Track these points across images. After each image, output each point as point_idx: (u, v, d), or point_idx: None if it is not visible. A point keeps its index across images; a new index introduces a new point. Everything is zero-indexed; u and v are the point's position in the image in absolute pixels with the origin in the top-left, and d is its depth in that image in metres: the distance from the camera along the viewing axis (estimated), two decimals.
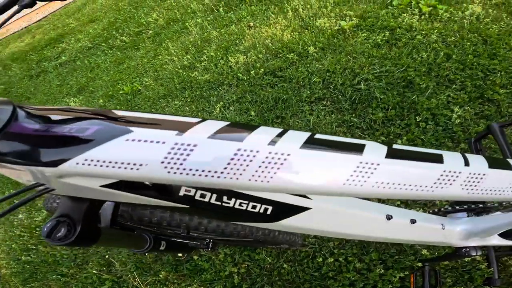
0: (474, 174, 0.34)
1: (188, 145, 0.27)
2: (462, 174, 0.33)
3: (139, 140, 0.28)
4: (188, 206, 0.36)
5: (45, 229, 0.35)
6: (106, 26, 3.22)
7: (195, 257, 1.14)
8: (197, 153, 0.27)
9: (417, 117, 1.32)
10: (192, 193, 0.35)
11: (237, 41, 2.08)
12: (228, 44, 2.08)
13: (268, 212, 0.39)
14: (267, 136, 0.29)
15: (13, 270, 1.58)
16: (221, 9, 2.49)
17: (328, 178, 0.29)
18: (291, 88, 1.62)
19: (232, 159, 0.27)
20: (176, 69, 2.08)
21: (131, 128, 0.28)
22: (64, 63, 3.00)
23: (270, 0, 2.37)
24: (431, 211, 0.70)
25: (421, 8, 1.76)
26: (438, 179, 0.32)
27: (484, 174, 0.35)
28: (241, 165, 0.27)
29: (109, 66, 2.58)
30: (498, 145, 0.70)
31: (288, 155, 0.28)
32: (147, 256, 1.20)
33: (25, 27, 4.80)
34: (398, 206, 1.10)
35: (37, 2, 0.40)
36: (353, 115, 1.43)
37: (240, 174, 0.28)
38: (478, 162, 0.35)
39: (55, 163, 0.28)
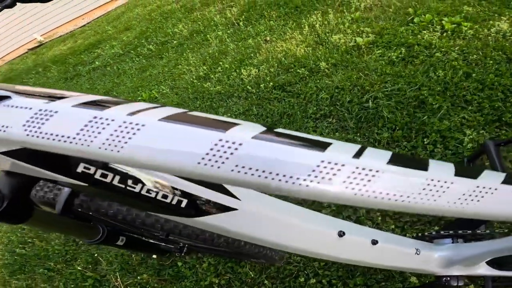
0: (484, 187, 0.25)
1: (50, 111, 0.28)
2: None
3: (13, 106, 0.29)
4: (87, 185, 0.35)
5: None
6: (137, 35, 3.45)
7: (179, 264, 1.16)
8: (55, 119, 0.27)
9: (425, 139, 1.24)
10: (91, 171, 0.34)
11: (252, 55, 2.12)
12: (243, 57, 2.12)
13: (182, 205, 0.37)
14: (128, 108, 0.27)
15: (5, 262, 1.70)
16: (241, 23, 2.57)
17: (183, 155, 0.25)
18: (298, 104, 1.61)
19: (86, 125, 0.26)
20: (192, 79, 2.16)
21: (13, 96, 0.30)
22: (96, 68, 3.25)
23: (289, 16, 2.40)
24: (415, 236, 0.65)
25: (444, 25, 1.68)
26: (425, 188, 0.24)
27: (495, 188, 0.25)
28: (93, 132, 0.26)
29: (134, 73, 2.75)
30: (491, 164, 0.64)
31: (143, 125, 0.25)
32: (133, 257, 1.23)
33: (70, 32, 5.28)
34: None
35: (17, 3, 0.41)
36: (357, 134, 1.38)
37: (92, 141, 0.26)
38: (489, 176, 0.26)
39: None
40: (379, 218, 1.07)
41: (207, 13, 3.07)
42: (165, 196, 0.36)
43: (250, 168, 0.23)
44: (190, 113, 0.29)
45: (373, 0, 2.09)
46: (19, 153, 0.32)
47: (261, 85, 1.78)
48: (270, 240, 0.44)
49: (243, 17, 2.65)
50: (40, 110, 0.28)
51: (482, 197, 0.24)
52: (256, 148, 0.23)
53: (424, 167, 0.24)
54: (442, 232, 0.61)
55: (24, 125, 0.28)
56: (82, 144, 0.26)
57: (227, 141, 0.24)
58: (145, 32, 3.42)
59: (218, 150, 0.24)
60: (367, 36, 1.77)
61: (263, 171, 0.23)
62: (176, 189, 0.37)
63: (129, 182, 0.35)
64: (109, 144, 0.26)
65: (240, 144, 0.24)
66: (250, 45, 2.25)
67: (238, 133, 0.24)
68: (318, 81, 1.66)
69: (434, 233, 0.62)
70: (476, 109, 1.28)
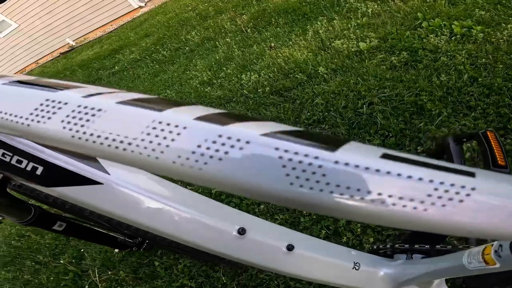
0: None
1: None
2: None
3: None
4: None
5: None
6: (155, 41, 3.61)
7: (156, 263, 1.17)
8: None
9: (418, 147, 1.17)
10: None
11: (255, 60, 2.13)
12: (246, 62, 2.14)
13: (38, 172, 0.35)
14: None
15: (0, 253, 1.81)
16: (249, 30, 2.60)
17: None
18: (293, 109, 1.59)
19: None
20: (196, 84, 2.21)
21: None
22: (115, 73, 3.44)
23: (296, 23, 2.40)
24: (369, 249, 0.58)
25: (453, 29, 1.59)
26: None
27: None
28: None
29: (147, 78, 2.87)
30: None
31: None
32: (115, 254, 1.26)
33: (98, 37, 5.64)
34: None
35: None
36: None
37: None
38: None
39: None
40: (359, 230, 1.01)
41: (220, 20, 3.15)
42: (19, 161, 0.34)
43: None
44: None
45: (382, 6, 2.03)
46: None
47: (259, 90, 1.79)
48: (131, 218, 0.40)
49: (251, 24, 2.68)
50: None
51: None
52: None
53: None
54: (396, 246, 0.55)
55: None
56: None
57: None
58: (162, 39, 3.58)
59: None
60: (371, 41, 1.72)
61: None
62: (33, 155, 0.35)
63: None
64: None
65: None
66: (255, 51, 2.26)
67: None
68: (315, 86, 1.63)
69: (387, 246, 0.56)
70: (479, 116, 1.18)
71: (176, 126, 0.16)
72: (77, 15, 6.09)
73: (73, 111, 0.19)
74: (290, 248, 0.43)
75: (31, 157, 0.35)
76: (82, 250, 1.40)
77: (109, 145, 0.17)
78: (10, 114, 0.20)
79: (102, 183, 0.38)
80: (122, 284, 1.15)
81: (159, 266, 1.15)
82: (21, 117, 0.20)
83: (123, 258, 1.25)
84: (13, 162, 0.34)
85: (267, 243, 0.43)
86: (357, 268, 0.48)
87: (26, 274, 1.50)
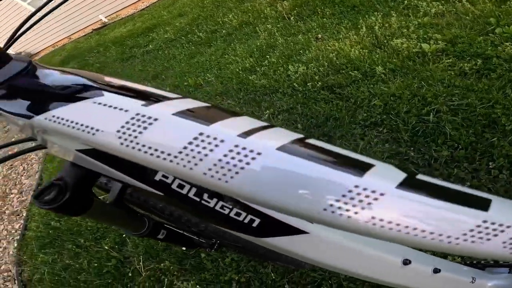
0: None
1: (149, 117, 0.24)
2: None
3: (105, 105, 0.26)
4: (163, 194, 0.32)
5: (38, 190, 0.35)
6: (189, 21, 3.52)
7: (203, 255, 1.13)
8: (154, 128, 0.23)
9: (490, 163, 1.07)
10: (169, 181, 0.32)
11: (301, 51, 2.03)
12: (291, 52, 2.04)
13: (254, 224, 0.34)
14: (245, 126, 0.23)
15: (38, 234, 1.80)
16: (292, 18, 2.48)
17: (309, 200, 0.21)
18: (347, 108, 1.50)
19: (190, 143, 0.22)
20: (237, 70, 2.13)
21: (104, 93, 0.27)
22: (149, 51, 3.39)
23: (344, 15, 2.26)
24: (467, 262, 0.60)
25: None
26: (472, 230, 0.21)
27: None
28: (198, 152, 0.22)
29: (183, 59, 2.81)
30: None
31: (259, 153, 0.21)
32: (159, 243, 1.24)
33: (130, 15, 5.59)
34: None
35: None
36: (411, 148, 1.24)
37: (195, 164, 0.22)
38: None
39: (29, 116, 0.29)
40: None
41: (258, 4, 3.03)
42: (238, 214, 0.33)
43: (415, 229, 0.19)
44: (314, 142, 0.23)
45: (447, 6, 1.87)
46: (93, 152, 0.29)
47: (308, 84, 1.69)
48: (336, 266, 0.41)
49: (295, 12, 2.55)
50: (138, 114, 0.24)
51: None
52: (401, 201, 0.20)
53: (484, 206, 0.20)
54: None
55: (118, 131, 0.24)
56: (184, 166, 0.22)
57: (365, 189, 0.20)
58: (197, 20, 3.48)
59: (352, 198, 0.19)
60: (436, 43, 1.59)
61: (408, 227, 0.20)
62: (251, 207, 0.34)
63: (205, 196, 0.33)
64: (217, 172, 0.21)
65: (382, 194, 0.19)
66: (300, 41, 2.15)
67: (378, 180, 0.20)
68: (372, 86, 1.53)
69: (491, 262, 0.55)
70: None
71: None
72: None
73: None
74: (436, 271, 0.45)
75: (250, 210, 0.34)
76: (123, 235, 1.38)
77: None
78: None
79: (308, 232, 0.38)
80: (166, 274, 1.13)
81: (205, 258, 1.11)
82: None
83: (167, 247, 1.22)
84: (232, 214, 0.33)
85: (421, 269, 0.45)
86: (473, 281, 0.49)
87: (65, 257, 1.49)
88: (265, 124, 0.24)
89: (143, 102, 0.25)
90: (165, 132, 0.23)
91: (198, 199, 0.32)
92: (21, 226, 2.27)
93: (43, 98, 0.29)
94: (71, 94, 0.28)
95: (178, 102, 0.26)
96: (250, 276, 1.09)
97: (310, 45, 2.04)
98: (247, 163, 0.20)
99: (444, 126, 1.24)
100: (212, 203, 0.32)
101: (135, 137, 0.24)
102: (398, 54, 1.63)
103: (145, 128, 0.23)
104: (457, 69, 1.44)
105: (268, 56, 2.13)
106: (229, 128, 0.22)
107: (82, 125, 0.26)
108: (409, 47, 1.64)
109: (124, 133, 0.24)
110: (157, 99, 0.26)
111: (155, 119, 0.23)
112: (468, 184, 1.08)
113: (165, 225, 0.55)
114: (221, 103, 1.95)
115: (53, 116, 0.27)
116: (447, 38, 1.60)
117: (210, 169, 0.21)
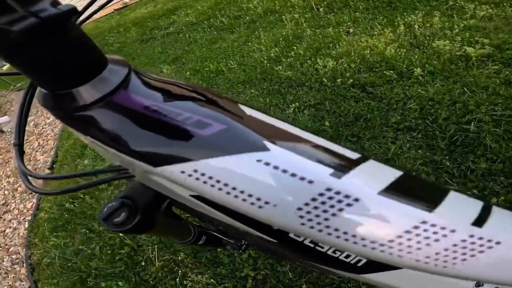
0: None
1: (346, 196, 0.19)
2: None
3: (276, 167, 0.20)
4: (277, 241, 0.28)
5: (106, 210, 0.32)
6: (212, 5, 3.42)
7: (219, 249, 1.08)
8: (355, 211, 0.19)
9: None
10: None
11: (331, 45, 1.93)
12: (320, 45, 1.94)
13: (360, 264, 0.31)
14: (468, 212, 0.20)
15: (51, 216, 1.75)
16: (321, 9, 2.36)
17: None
18: (379, 109, 1.41)
19: (408, 232, 0.18)
20: (262, 59, 2.05)
21: (268, 145, 0.20)
22: (170, 34, 3.31)
23: (379, 11, 2.13)
24: None
25: None
26: None
27: None
28: (418, 242, 0.19)
29: (204, 43, 2.73)
30: None
31: (498, 243, 0.19)
32: None
33: None
34: None
35: None
36: (447, 157, 1.15)
37: (409, 252, 0.19)
38: None
39: (155, 162, 0.21)
40: None
41: None
42: (347, 256, 0.30)
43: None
44: None
45: (496, 10, 1.74)
46: (207, 199, 0.24)
47: (338, 80, 1.61)
48: None
49: (325, 3, 2.43)
50: (329, 190, 0.19)
51: None
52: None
53: None
54: None
55: (300, 209, 0.19)
56: (390, 254, 0.19)
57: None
58: (219, 4, 3.38)
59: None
60: (482, 47, 1.47)
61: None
62: None
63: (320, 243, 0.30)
64: (440, 259, 0.19)
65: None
66: (330, 34, 2.05)
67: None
68: (408, 88, 1.43)
69: None
70: None
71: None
72: None
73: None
74: None
75: None
76: None
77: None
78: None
79: (402, 268, 0.33)
80: (180, 265, 1.09)
81: (221, 252, 1.07)
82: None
83: None
84: (342, 257, 0.30)
85: None
86: None
87: (77, 242, 1.46)
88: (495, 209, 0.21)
89: (330, 171, 0.20)
90: (371, 218, 0.19)
91: (312, 246, 0.28)
92: (33, 205, 2.17)
93: (170, 135, 0.21)
94: (215, 139, 0.20)
95: (367, 168, 0.21)
96: (267, 273, 1.05)
97: (340, 39, 1.94)
98: (481, 252, 0.19)
99: (485, 137, 1.15)
100: (325, 248, 0.29)
101: (326, 219, 0.19)
102: (439, 56, 1.52)
103: (340, 209, 0.19)
104: (502, 77, 1.34)
105: (294, 47, 2.04)
106: (458, 215, 0.19)
107: (242, 192, 0.20)
108: (452, 50, 1.53)
109: (309, 212, 0.19)
110: (341, 161, 0.21)
111: (355, 199, 0.19)
112: (502, 198, 1.01)
113: (205, 230, 0.54)
114: (243, 91, 1.88)
115: (195, 171, 0.20)
116: (494, 43, 1.49)
117: (429, 257, 0.19)
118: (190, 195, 0.24)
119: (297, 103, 1.59)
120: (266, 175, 0.19)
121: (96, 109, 0.20)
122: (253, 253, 1.06)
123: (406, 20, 1.88)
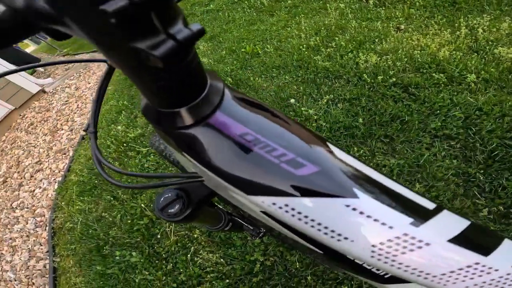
0: None
1: (420, 241, 0.22)
2: None
3: (361, 213, 0.22)
4: (322, 253, 0.30)
5: (162, 200, 0.34)
6: None
7: (233, 232, 1.10)
8: (424, 253, 0.22)
9: None
10: None
11: (376, 40, 1.82)
12: (364, 39, 1.84)
13: (387, 276, 0.32)
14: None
15: (80, 179, 1.79)
16: (371, 1, 2.22)
17: None
18: (419, 112, 1.32)
19: (461, 269, 0.22)
20: (300, 46, 1.98)
21: (357, 192, 0.22)
22: (209, 11, 3.29)
23: (439, 9, 1.96)
24: None
25: None
26: None
27: None
28: (465, 276, 0.22)
29: (242, 24, 2.68)
30: None
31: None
32: None
33: None
34: None
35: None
36: (482, 171, 1.07)
37: (454, 283, 0.23)
38: None
39: (248, 191, 0.23)
40: None
41: None
42: (379, 269, 0.31)
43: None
44: None
45: None
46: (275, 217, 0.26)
47: (379, 77, 1.52)
48: None
49: None
50: (406, 235, 0.22)
51: None
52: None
53: None
54: None
55: (375, 246, 0.22)
56: (438, 283, 0.22)
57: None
58: None
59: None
60: None
61: None
62: None
63: None
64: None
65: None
66: (377, 28, 1.93)
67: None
68: (456, 94, 1.33)
69: None
70: None
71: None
72: None
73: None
74: None
75: None
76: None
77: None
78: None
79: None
80: (193, 242, 1.12)
81: (235, 234, 1.08)
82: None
83: None
84: (374, 269, 0.31)
85: None
86: None
87: (100, 208, 1.51)
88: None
89: (410, 220, 0.22)
90: (435, 258, 0.22)
91: (352, 258, 0.30)
92: (65, 166, 2.17)
93: (262, 168, 0.22)
94: (309, 180, 0.22)
95: (442, 218, 0.24)
96: (275, 260, 1.05)
97: (388, 35, 1.82)
98: None
99: None
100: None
101: (395, 255, 0.22)
102: (498, 63, 1.38)
103: (411, 250, 0.22)
104: None
105: (336, 38, 1.95)
106: (505, 257, 0.22)
107: (326, 227, 0.22)
108: None
109: (381, 249, 0.22)
110: (420, 211, 0.23)
111: (427, 244, 0.22)
112: None
113: (232, 217, 0.56)
114: (276, 77, 1.84)
115: (286, 205, 0.22)
116: None
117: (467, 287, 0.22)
118: (261, 211, 0.26)
119: (332, 95, 1.53)
120: (352, 218, 0.22)
121: (196, 129, 0.22)
122: (265, 239, 1.07)
123: (469, 22, 1.72)
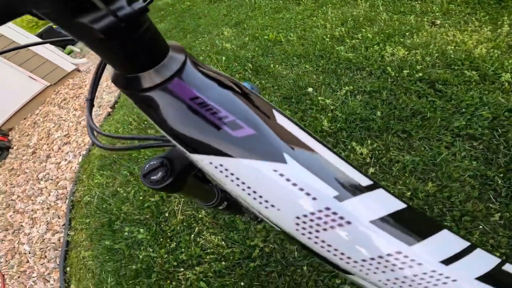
0: None
1: (341, 218, 0.21)
2: None
3: (288, 180, 0.22)
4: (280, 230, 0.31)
5: (147, 167, 0.36)
6: None
7: (237, 215, 1.11)
8: (345, 232, 0.21)
9: None
10: None
11: (407, 33, 1.72)
12: (393, 32, 1.75)
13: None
14: (449, 250, 0.21)
15: (102, 152, 1.85)
16: None
17: None
18: (443, 109, 1.25)
19: (380, 257, 0.21)
20: (324, 36, 1.93)
21: (287, 158, 0.22)
22: None
23: (482, 6, 1.82)
24: None
25: None
26: None
27: None
28: (385, 267, 0.21)
29: (267, 11, 2.65)
30: None
31: (454, 280, 0.20)
32: None
33: None
34: None
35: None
36: (501, 175, 1.01)
37: (375, 273, 0.21)
38: None
39: (190, 149, 0.25)
40: None
41: None
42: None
43: None
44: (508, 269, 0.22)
45: None
46: None
47: (404, 71, 1.45)
48: None
49: None
50: (328, 209, 0.21)
51: None
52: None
53: None
54: None
55: (298, 218, 0.22)
56: (360, 270, 0.21)
57: None
58: None
59: None
60: None
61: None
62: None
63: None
64: (394, 283, 0.21)
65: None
66: (409, 22, 1.83)
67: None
68: (486, 93, 1.24)
69: None
70: None
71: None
72: None
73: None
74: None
75: None
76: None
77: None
78: None
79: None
80: (198, 222, 1.14)
81: (239, 218, 1.10)
82: None
83: None
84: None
85: None
86: None
87: (117, 183, 1.56)
88: (467, 244, 0.22)
89: (335, 193, 0.22)
90: (355, 240, 0.21)
91: (281, 229, 0.30)
92: (90, 141, 2.25)
93: (204, 130, 0.24)
94: (242, 142, 0.23)
95: (373, 196, 0.22)
96: (275, 248, 1.05)
97: (421, 29, 1.72)
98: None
99: None
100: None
101: (317, 231, 0.22)
102: None
103: (332, 227, 0.21)
104: None
105: (363, 30, 1.87)
106: (431, 253, 0.21)
107: (255, 192, 0.23)
108: None
109: (304, 222, 0.22)
110: (350, 186, 0.22)
111: (348, 222, 0.21)
112: None
113: (228, 196, 0.57)
114: (297, 65, 1.81)
115: (220, 165, 0.23)
116: None
117: (389, 280, 0.21)
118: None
119: (351, 87, 1.48)
120: (278, 183, 0.22)
121: (155, 92, 0.23)
122: (268, 225, 1.07)
123: None
